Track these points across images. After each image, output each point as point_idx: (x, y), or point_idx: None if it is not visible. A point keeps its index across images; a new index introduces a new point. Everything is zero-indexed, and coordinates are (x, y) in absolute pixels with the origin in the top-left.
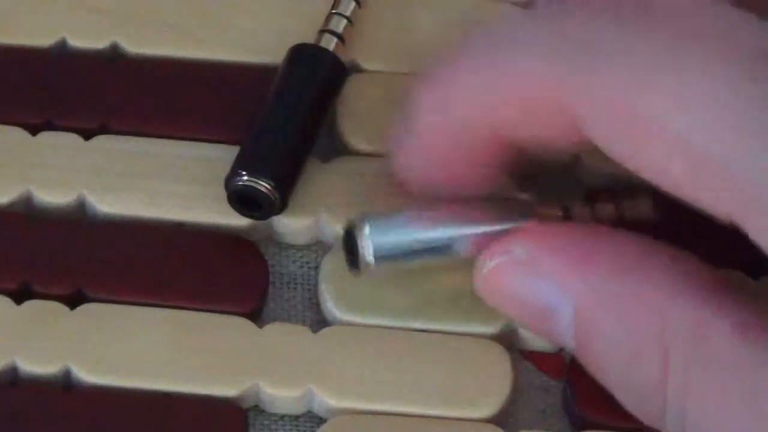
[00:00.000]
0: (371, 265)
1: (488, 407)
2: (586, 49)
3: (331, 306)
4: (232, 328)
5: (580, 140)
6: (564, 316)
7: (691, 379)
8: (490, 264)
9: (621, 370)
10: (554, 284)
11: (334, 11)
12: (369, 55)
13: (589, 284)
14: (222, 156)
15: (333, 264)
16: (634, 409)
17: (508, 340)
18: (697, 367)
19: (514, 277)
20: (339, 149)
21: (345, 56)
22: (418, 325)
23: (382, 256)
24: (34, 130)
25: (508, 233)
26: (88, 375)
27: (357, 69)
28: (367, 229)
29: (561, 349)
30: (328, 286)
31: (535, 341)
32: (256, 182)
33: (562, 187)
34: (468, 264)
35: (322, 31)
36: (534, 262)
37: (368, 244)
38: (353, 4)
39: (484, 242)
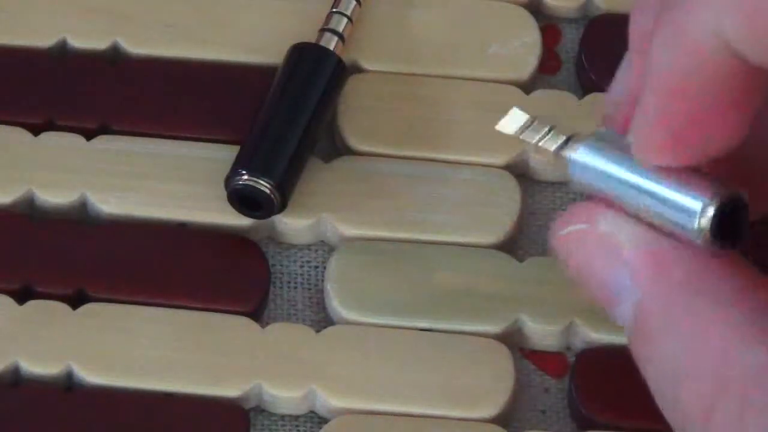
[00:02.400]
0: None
1: (491, 408)
2: None
3: (336, 305)
4: (235, 327)
5: None
6: (626, 304)
7: (744, 421)
8: (570, 229)
9: (667, 383)
10: (626, 273)
11: (334, 10)
12: (369, 54)
13: (661, 292)
14: (222, 156)
15: (338, 263)
16: (668, 417)
17: (510, 339)
18: (752, 410)
19: (589, 247)
20: (339, 149)
21: (345, 56)
22: (422, 324)
23: None
24: (35, 131)
25: (594, 202)
26: (89, 375)
27: (357, 69)
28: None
29: (562, 349)
30: (333, 285)
31: (536, 341)
32: (256, 181)
33: None
34: (468, 263)
35: (323, 30)
36: (614, 243)
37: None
38: (354, 2)
39: None
